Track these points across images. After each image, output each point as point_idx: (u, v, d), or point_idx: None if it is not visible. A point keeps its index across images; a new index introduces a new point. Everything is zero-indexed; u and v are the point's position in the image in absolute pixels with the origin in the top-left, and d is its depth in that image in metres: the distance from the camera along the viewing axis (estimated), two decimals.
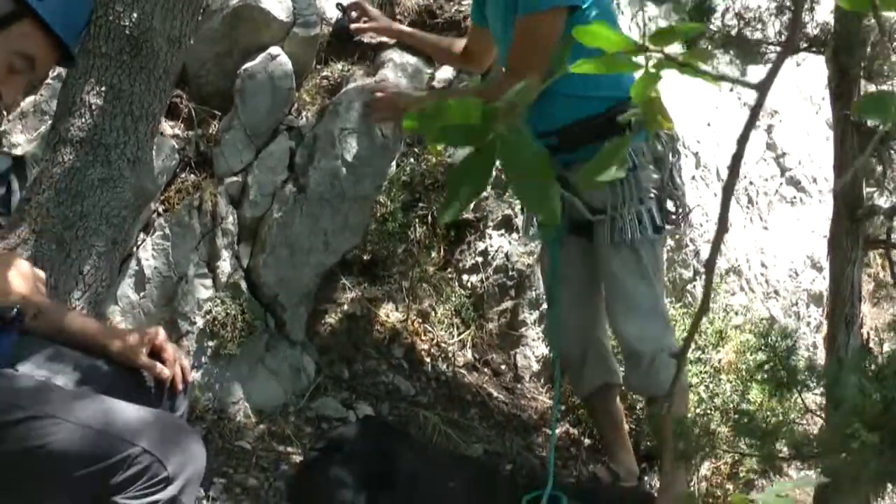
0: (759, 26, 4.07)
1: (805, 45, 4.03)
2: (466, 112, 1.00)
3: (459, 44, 4.05)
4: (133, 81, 2.93)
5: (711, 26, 4.06)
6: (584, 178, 1.05)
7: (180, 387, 2.54)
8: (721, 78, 1.08)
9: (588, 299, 3.76)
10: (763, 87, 0.97)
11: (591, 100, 3.33)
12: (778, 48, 4.02)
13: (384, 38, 4.38)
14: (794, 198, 5.72)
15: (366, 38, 4.40)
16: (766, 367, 3.02)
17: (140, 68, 2.94)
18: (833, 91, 4.05)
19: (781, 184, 5.69)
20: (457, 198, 1.03)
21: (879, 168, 4.14)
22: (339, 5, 4.32)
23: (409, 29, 4.32)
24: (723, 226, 1.05)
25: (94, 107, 2.89)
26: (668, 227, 3.61)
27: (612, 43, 1.03)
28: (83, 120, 2.89)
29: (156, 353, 2.52)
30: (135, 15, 2.92)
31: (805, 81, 5.94)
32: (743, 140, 0.99)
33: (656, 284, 3.57)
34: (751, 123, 0.99)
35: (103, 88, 2.90)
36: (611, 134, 3.18)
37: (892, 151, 4.05)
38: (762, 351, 3.00)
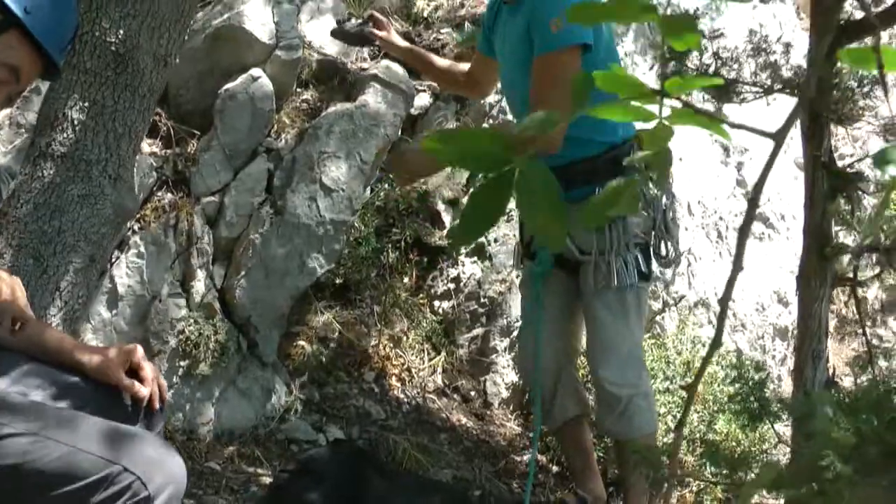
0: (736, 66, 4.12)
1: (779, 86, 4.09)
2: (487, 140, 1.02)
3: (463, 70, 4.05)
4: (117, 98, 2.92)
5: (689, 64, 4.11)
6: (590, 213, 1.07)
7: (157, 405, 2.52)
8: (737, 126, 1.10)
9: (564, 332, 3.77)
10: (779, 137, 0.99)
11: (587, 143, 3.33)
12: (754, 88, 4.08)
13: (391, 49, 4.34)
14: (763, 234, 5.80)
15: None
16: (738, 398, 3.04)
17: (125, 85, 2.93)
18: (805, 132, 4.10)
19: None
20: (472, 226, 1.05)
21: (848, 207, 4.19)
22: (350, 14, 4.31)
23: (418, 49, 4.30)
24: (737, 266, 1.07)
25: (76, 122, 2.87)
26: (657, 271, 3.64)
27: (630, 88, 1.05)
28: (65, 135, 2.87)
29: (133, 371, 2.50)
30: (121, 32, 2.92)
31: (775, 121, 6.03)
32: (759, 187, 1.01)
33: (637, 330, 3.59)
34: (767, 170, 1.01)
35: (86, 104, 2.89)
36: (604, 176, 3.22)
37: (861, 192, 4.12)
38: (735, 382, 3.03)
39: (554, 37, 3.15)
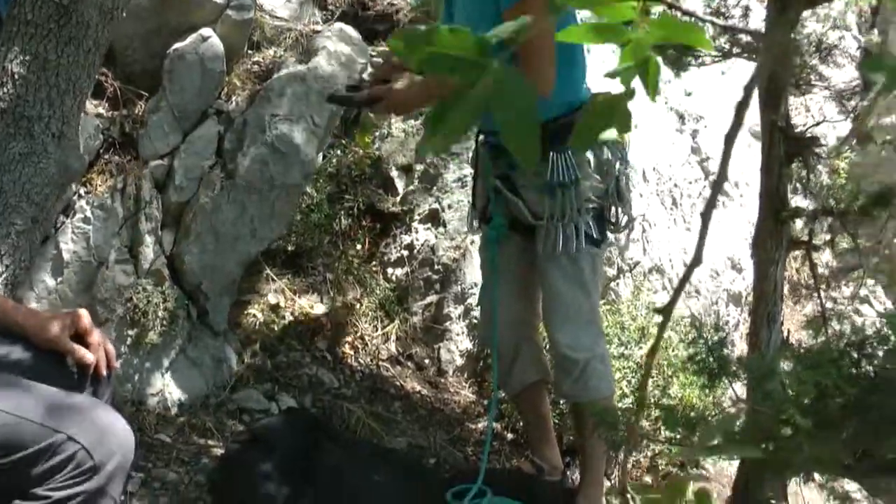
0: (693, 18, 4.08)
1: (737, 51, 4.07)
2: (460, 42, 0.94)
3: None
4: (60, 52, 2.78)
5: None
6: (581, 134, 1.00)
7: (104, 372, 2.42)
8: (728, 28, 1.04)
9: (523, 296, 3.72)
10: (748, 88, 0.93)
11: (547, 104, 3.26)
12: (712, 53, 4.06)
13: None
14: (717, 201, 5.78)
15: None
16: (697, 357, 3.01)
17: (69, 39, 2.79)
18: (762, 98, 4.09)
19: (705, 187, 5.76)
20: (441, 131, 0.96)
21: (804, 172, 4.19)
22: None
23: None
24: (697, 258, 1.01)
25: (17, 76, 2.73)
26: (609, 237, 3.60)
27: None
28: (5, 90, 2.73)
29: (79, 337, 2.40)
30: None
31: (729, 88, 6.03)
32: (723, 169, 0.95)
33: (593, 294, 3.56)
34: (736, 126, 0.95)
35: (28, 58, 2.74)
36: (560, 140, 3.15)
37: (817, 157, 4.11)
38: (693, 344, 3.00)
39: None
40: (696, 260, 1.05)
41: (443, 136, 0.96)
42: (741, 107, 0.98)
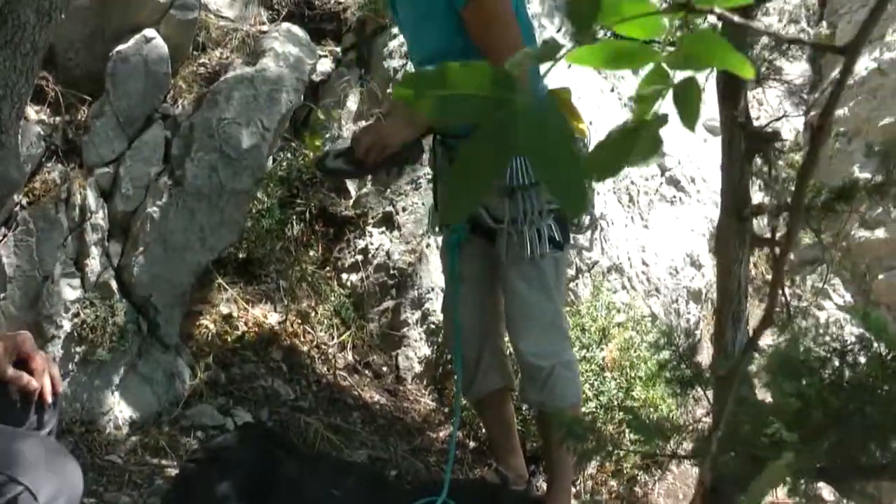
0: None
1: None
2: (474, 78, 0.81)
3: None
4: None
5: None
6: (601, 163, 0.88)
7: (49, 399, 2.26)
8: (791, 40, 0.93)
9: (486, 301, 3.63)
10: (852, 50, 0.82)
11: None
12: (669, 48, 3.99)
13: None
14: (674, 197, 5.74)
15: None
16: (670, 365, 2.96)
17: (5, 42, 2.64)
18: (721, 92, 4.05)
19: (661, 183, 5.70)
20: (467, 193, 0.83)
21: (765, 168, 4.16)
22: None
23: None
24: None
25: None
26: (571, 239, 3.51)
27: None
28: None
29: (22, 363, 2.25)
30: None
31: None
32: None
33: (557, 298, 3.46)
34: (837, 95, 0.84)
35: None
36: None
37: (778, 152, 4.08)
38: (664, 349, 2.94)
39: None
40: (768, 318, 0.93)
41: (470, 192, 0.84)
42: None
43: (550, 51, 0.85)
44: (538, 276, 3.36)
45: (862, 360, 2.23)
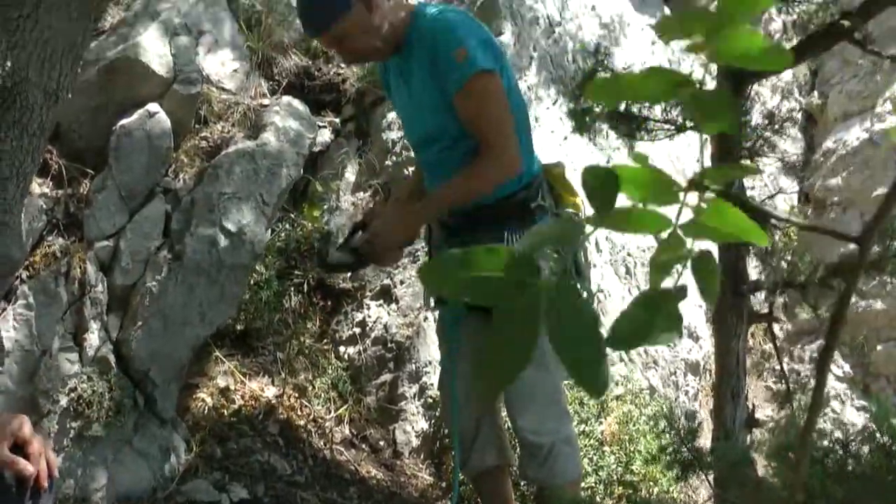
0: (647, 104, 4.08)
1: (690, 123, 4.07)
2: (497, 262, 0.83)
3: None
4: (4, 137, 2.64)
5: (599, 104, 4.05)
6: (619, 338, 0.88)
7: (45, 484, 2.23)
8: (810, 227, 0.94)
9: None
10: (865, 241, 0.84)
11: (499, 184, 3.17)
12: (665, 125, 4.04)
13: None
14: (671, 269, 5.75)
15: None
16: (671, 448, 2.95)
17: (12, 123, 2.65)
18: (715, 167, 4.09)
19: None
20: (497, 379, 0.85)
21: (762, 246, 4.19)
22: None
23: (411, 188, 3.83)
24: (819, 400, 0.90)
25: None
26: None
27: (654, 184, 0.87)
28: None
29: (18, 446, 2.22)
30: (8, 64, 2.64)
31: (679, 155, 6.05)
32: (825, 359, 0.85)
33: (556, 374, 3.43)
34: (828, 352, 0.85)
35: None
36: (515, 218, 3.09)
37: (775, 228, 4.11)
38: (665, 432, 2.93)
39: (465, 65, 3.01)
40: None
41: (501, 374, 0.85)
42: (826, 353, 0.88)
43: (574, 230, 0.87)
44: (537, 352, 3.33)
45: (865, 450, 2.22)
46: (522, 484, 4.20)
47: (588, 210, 4.51)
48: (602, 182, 0.89)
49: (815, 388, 1.00)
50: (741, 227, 0.86)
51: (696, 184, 0.88)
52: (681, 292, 0.87)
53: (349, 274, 4.65)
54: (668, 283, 0.94)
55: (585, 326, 0.82)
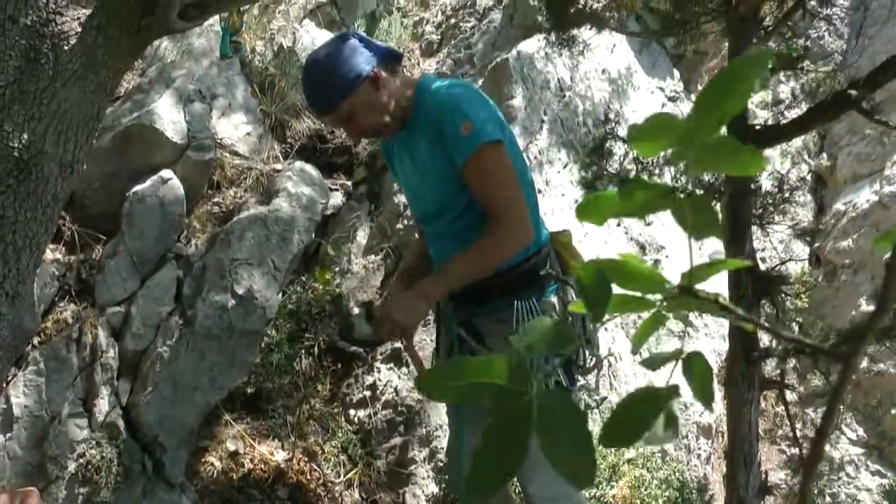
0: (657, 172, 4.12)
1: (700, 191, 4.09)
2: (489, 370, 0.86)
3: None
4: (18, 208, 2.68)
5: (609, 169, 4.09)
6: (611, 436, 0.89)
7: None
8: (750, 322, 0.96)
9: None
10: (850, 357, 0.85)
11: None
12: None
13: None
14: (682, 331, 5.74)
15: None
16: None
17: (27, 194, 2.69)
18: (728, 235, 4.10)
19: (668, 317, 5.71)
20: (488, 483, 0.87)
21: (772, 311, 4.19)
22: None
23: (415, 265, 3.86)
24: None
25: None
26: (578, 380, 3.49)
27: (644, 280, 0.90)
28: None
29: None
30: (25, 136, 2.69)
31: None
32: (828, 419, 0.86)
33: None
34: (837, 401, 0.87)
35: None
36: (522, 288, 3.10)
37: (785, 295, 4.11)
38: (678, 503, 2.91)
39: (471, 138, 3.03)
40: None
41: (493, 478, 0.88)
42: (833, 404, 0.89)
43: (570, 334, 0.91)
44: None
45: None
46: None
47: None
48: (596, 283, 0.93)
49: (810, 459, 1.01)
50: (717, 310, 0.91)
51: (684, 287, 0.92)
52: (674, 391, 0.88)
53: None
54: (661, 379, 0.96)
55: (576, 427, 0.84)
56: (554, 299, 3.30)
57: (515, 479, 3.60)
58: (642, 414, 0.88)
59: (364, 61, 2.96)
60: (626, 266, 0.94)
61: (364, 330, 3.33)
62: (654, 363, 0.96)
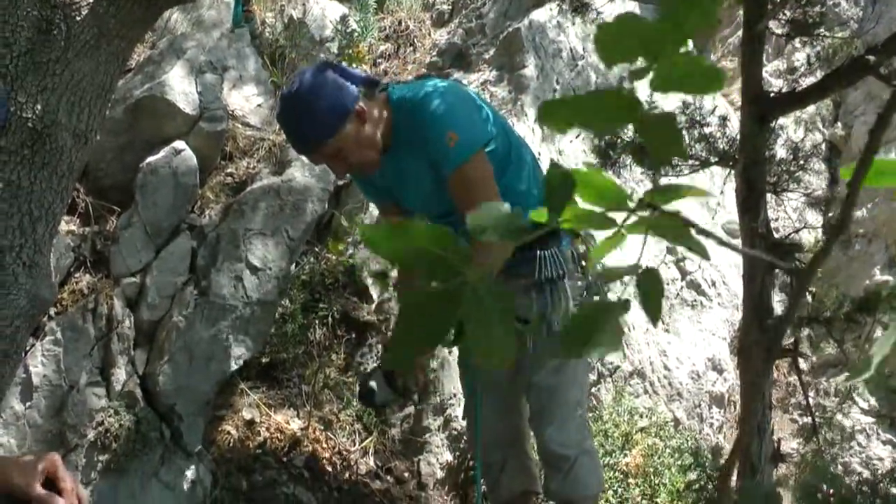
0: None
1: (715, 159, 4.07)
2: (437, 239, 0.85)
3: None
4: (34, 178, 2.70)
5: (623, 136, 4.07)
6: (567, 346, 0.90)
7: None
8: (726, 244, 0.96)
9: (508, 408, 3.63)
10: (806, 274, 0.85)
11: (526, 212, 3.23)
12: (689, 161, 4.05)
13: None
14: (695, 301, 5.76)
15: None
16: (697, 486, 2.94)
17: (42, 164, 2.71)
18: (741, 203, 4.09)
19: (682, 287, 5.72)
20: (407, 347, 0.87)
21: (787, 278, 4.18)
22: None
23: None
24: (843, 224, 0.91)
25: None
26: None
27: (610, 196, 0.90)
28: None
29: (51, 483, 2.26)
30: (38, 107, 2.71)
31: (702, 188, 6.04)
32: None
33: (583, 387, 3.49)
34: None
35: (0, 185, 2.66)
36: (538, 240, 3.14)
37: (800, 263, 4.09)
38: (691, 469, 2.93)
39: (456, 150, 3.03)
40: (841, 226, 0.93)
41: (410, 345, 0.88)
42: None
43: (518, 228, 0.91)
44: (563, 368, 3.36)
45: (894, 490, 2.22)
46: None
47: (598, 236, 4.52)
48: (560, 182, 0.92)
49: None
50: (681, 238, 0.90)
51: (646, 202, 0.91)
52: (624, 305, 0.90)
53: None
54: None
55: (504, 317, 0.84)
56: (569, 251, 3.33)
57: (533, 432, 3.64)
58: (590, 326, 0.88)
59: (347, 95, 2.88)
60: (590, 177, 0.92)
61: (383, 398, 3.36)
62: (611, 275, 0.96)
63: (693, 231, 0.92)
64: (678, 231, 0.93)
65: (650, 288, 0.96)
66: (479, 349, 0.87)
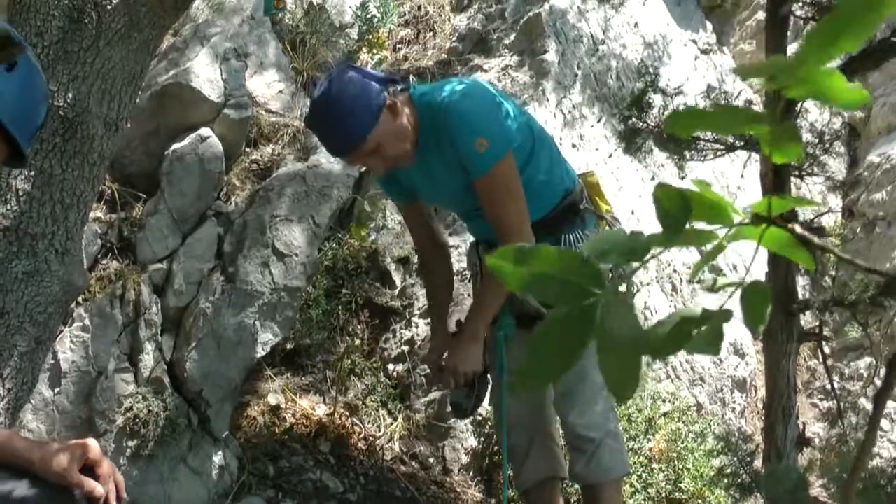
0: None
1: (740, 143, 4.06)
2: (565, 262, 0.85)
3: (438, 253, 3.73)
4: (65, 166, 2.72)
5: (649, 121, 4.06)
6: (652, 347, 0.90)
7: None
8: (857, 267, 0.95)
9: (534, 393, 3.63)
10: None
11: (548, 199, 3.27)
12: (715, 145, 4.04)
13: None
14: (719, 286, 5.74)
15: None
16: (729, 470, 2.95)
17: (74, 152, 2.73)
18: (765, 186, 4.08)
19: (704, 271, 5.71)
20: (543, 372, 0.87)
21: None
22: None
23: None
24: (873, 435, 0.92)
25: (21, 193, 2.66)
26: None
27: (715, 208, 0.90)
28: (8, 207, 2.64)
29: (88, 469, 2.28)
30: (70, 95, 2.72)
31: (723, 171, 6.04)
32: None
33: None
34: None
35: (32, 173, 2.67)
36: (565, 223, 3.17)
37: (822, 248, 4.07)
38: (723, 453, 2.93)
39: (485, 156, 3.04)
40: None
41: (544, 371, 0.88)
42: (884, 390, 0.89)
43: (640, 247, 0.89)
44: (590, 347, 3.36)
45: None
46: (573, 501, 4.21)
47: (637, 225, 4.52)
48: (676, 205, 0.91)
49: (868, 430, 1.01)
50: (786, 249, 0.90)
51: (758, 216, 0.91)
52: (727, 314, 0.89)
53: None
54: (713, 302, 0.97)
55: (634, 338, 0.84)
56: (591, 234, 3.35)
57: (558, 415, 3.64)
58: (687, 327, 0.88)
59: (375, 91, 2.89)
60: (700, 197, 0.93)
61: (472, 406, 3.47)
62: (712, 286, 0.96)
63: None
64: (788, 242, 0.93)
65: (754, 301, 0.95)
66: (608, 371, 0.88)
